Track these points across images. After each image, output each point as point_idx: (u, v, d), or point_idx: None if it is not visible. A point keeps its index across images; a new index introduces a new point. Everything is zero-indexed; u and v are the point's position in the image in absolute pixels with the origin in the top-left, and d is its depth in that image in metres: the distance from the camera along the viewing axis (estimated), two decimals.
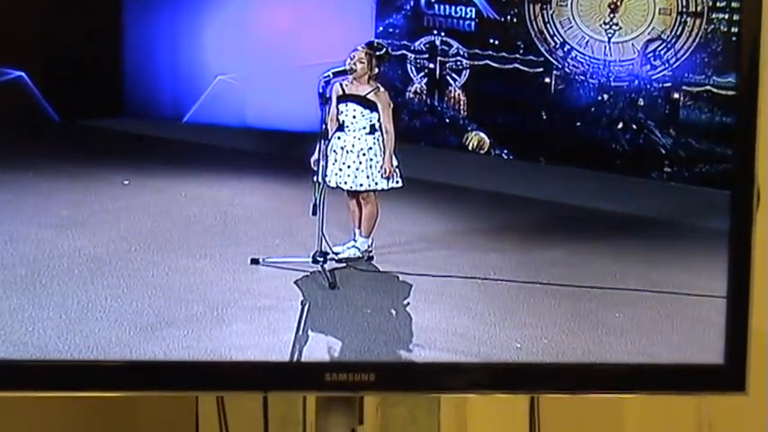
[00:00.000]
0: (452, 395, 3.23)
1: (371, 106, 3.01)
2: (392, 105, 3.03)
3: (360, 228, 3.04)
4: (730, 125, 2.84)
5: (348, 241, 3.02)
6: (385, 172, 2.98)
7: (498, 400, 3.36)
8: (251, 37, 3.83)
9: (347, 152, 3.02)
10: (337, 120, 3.02)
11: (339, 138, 3.03)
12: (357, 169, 3.01)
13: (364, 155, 3.02)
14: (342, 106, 3.02)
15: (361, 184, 3.02)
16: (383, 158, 2.99)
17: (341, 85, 3.01)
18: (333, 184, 3.00)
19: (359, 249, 2.98)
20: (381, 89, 3.04)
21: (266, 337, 2.52)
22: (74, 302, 2.61)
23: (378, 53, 3.02)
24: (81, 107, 3.65)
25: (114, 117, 3.81)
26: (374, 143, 3.03)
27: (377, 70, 3.06)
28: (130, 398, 3.12)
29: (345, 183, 3.02)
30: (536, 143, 3.78)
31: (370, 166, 3.03)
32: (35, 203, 3.23)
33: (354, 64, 2.99)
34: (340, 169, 3.02)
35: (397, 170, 3.01)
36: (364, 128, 3.03)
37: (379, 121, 3.01)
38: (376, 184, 3.02)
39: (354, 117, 3.02)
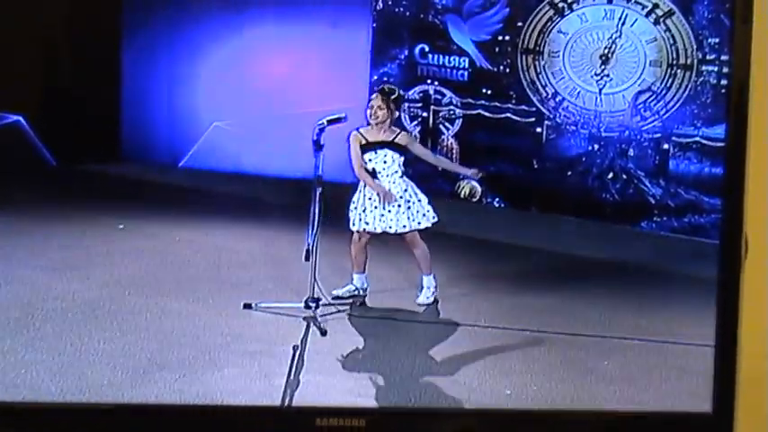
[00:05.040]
0: None
1: (401, 150, 3.06)
2: (415, 137, 3.18)
3: (421, 269, 3.06)
4: (719, 175, 2.87)
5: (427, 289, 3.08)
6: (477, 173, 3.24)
7: None
8: (246, 84, 3.87)
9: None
10: (365, 168, 3.05)
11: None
12: (400, 212, 3.05)
13: (401, 197, 3.06)
14: (369, 154, 3.05)
15: (405, 226, 3.06)
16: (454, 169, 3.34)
17: (360, 133, 3.05)
18: (379, 230, 3.04)
19: (430, 291, 3.06)
20: (404, 131, 3.14)
21: (258, 381, 2.53)
22: (67, 345, 2.62)
23: (392, 96, 3.09)
24: (78, 151, 3.68)
25: (110, 161, 3.84)
26: (407, 185, 3.08)
27: (397, 113, 3.13)
28: None
29: (390, 227, 3.06)
30: (527, 192, 3.81)
31: (409, 207, 3.07)
32: (30, 246, 3.25)
33: (375, 112, 3.05)
34: (382, 215, 3.05)
35: (430, 206, 3.09)
36: (396, 171, 3.08)
37: (405, 165, 3.08)
38: (419, 223, 3.07)
39: (386, 162, 3.06)
